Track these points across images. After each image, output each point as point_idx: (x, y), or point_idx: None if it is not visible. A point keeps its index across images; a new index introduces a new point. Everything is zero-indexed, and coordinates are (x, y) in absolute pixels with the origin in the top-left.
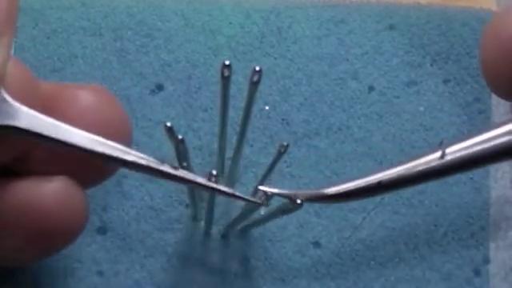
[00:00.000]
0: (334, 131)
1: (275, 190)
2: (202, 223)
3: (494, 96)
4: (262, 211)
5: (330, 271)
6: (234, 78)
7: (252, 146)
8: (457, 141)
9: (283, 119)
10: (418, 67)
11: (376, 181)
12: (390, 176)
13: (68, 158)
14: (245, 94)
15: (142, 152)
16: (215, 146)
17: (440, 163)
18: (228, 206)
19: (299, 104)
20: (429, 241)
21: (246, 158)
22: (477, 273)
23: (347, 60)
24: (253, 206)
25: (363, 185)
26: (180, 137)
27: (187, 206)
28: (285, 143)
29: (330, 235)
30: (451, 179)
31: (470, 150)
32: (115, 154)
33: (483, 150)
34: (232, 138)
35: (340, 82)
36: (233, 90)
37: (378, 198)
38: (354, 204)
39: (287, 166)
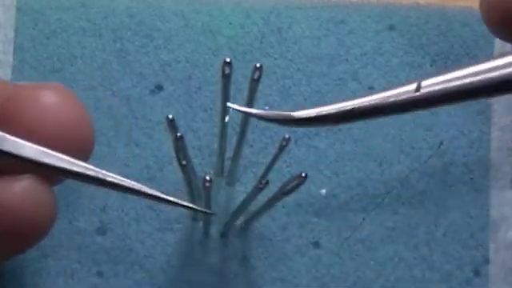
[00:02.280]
0: (334, 131)
1: (242, 108)
2: (202, 223)
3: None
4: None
5: (330, 271)
6: (233, 78)
7: (252, 146)
8: (433, 75)
9: None
10: (417, 67)
11: (349, 108)
12: (363, 104)
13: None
14: (245, 94)
15: (143, 152)
16: (215, 146)
17: (414, 96)
18: (227, 205)
19: (299, 104)
20: (428, 241)
21: (246, 158)
22: (476, 273)
23: (347, 60)
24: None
25: (334, 111)
26: (179, 134)
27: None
28: (287, 135)
29: (330, 235)
30: (451, 180)
31: (446, 85)
32: (62, 165)
33: (458, 86)
34: (232, 138)
35: (340, 83)
36: (233, 90)
37: (378, 199)
38: (354, 204)
39: (287, 166)
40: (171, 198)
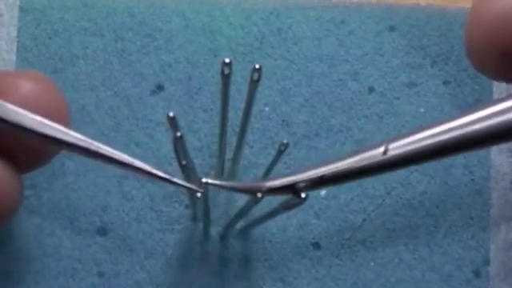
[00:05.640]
0: (334, 132)
1: (218, 182)
2: (202, 224)
3: (494, 97)
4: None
5: (330, 272)
6: (233, 78)
7: (252, 147)
8: (400, 137)
9: (283, 120)
10: (418, 68)
11: (317, 175)
12: (332, 171)
13: (2, 143)
14: (245, 94)
15: (143, 153)
16: (215, 146)
17: (382, 159)
18: (227, 206)
19: (299, 105)
20: (429, 242)
21: (246, 158)
22: (477, 274)
23: (347, 61)
24: (251, 203)
25: (304, 179)
26: (179, 134)
27: (187, 206)
28: (285, 141)
29: (330, 236)
30: (452, 181)
31: (412, 147)
32: (57, 135)
33: (424, 146)
34: (232, 139)
35: (340, 83)
36: (233, 90)
37: (378, 200)
38: (354, 205)
39: (287, 167)
40: (162, 174)
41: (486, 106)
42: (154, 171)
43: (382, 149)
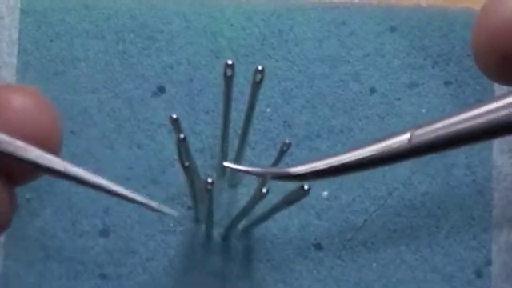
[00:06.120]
0: (336, 133)
1: (240, 167)
2: (204, 226)
3: None
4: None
5: (332, 273)
6: (235, 80)
7: (254, 148)
8: (424, 124)
9: (285, 121)
10: (419, 69)
11: (341, 162)
12: (355, 158)
13: None
14: (247, 96)
15: (145, 154)
16: (217, 148)
17: (407, 146)
18: (229, 207)
19: (301, 106)
20: (431, 243)
21: (248, 160)
22: (479, 274)
23: (348, 62)
24: (254, 201)
25: (327, 166)
26: (182, 135)
27: (189, 208)
28: (287, 141)
29: (332, 237)
30: (454, 181)
31: (437, 134)
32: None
33: (449, 133)
34: (234, 141)
35: (341, 84)
36: (235, 92)
37: (380, 201)
38: (356, 206)
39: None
40: (141, 199)
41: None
42: (133, 196)
43: (407, 135)
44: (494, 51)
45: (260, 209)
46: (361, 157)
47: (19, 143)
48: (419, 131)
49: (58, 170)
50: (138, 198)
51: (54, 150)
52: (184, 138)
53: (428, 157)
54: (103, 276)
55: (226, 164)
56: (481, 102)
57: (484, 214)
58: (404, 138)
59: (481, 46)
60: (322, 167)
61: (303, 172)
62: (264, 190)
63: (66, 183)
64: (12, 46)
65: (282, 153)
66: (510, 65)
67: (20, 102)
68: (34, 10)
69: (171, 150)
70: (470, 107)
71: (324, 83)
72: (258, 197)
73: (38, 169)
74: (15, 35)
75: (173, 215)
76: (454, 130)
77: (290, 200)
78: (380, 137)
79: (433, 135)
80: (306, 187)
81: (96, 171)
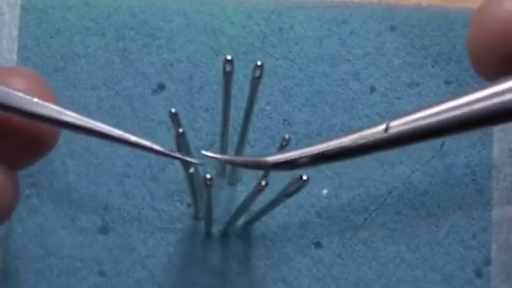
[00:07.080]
0: (336, 132)
1: (218, 156)
2: (203, 223)
3: None
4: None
5: (331, 272)
6: (235, 78)
7: (253, 146)
8: (401, 115)
9: (284, 120)
10: (419, 68)
11: (318, 151)
12: (332, 147)
13: None
14: (246, 94)
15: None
16: (217, 145)
17: (383, 136)
18: (229, 204)
19: (301, 104)
20: (430, 242)
21: None
22: (478, 274)
23: (349, 61)
24: (253, 195)
25: (305, 155)
26: (181, 130)
27: (189, 205)
28: (286, 136)
29: (332, 235)
30: (453, 180)
31: (413, 125)
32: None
33: (424, 125)
34: (233, 138)
35: (341, 83)
36: (234, 90)
37: (379, 199)
38: (356, 205)
39: None
40: (158, 148)
41: (489, 85)
42: (152, 146)
43: (383, 126)
44: (490, 52)
45: (259, 205)
46: (338, 146)
47: (38, 101)
48: (394, 122)
49: (78, 124)
50: (156, 147)
51: (53, 134)
52: (183, 133)
53: (428, 156)
54: (102, 273)
55: (203, 152)
56: (455, 94)
57: (483, 214)
58: (380, 128)
59: (477, 47)
60: (299, 156)
61: (280, 161)
62: (263, 183)
63: (64, 179)
64: (12, 42)
65: (281, 148)
66: (506, 66)
67: (17, 84)
68: (34, 7)
69: (171, 147)
70: (445, 99)
71: (324, 82)
72: (258, 190)
73: (59, 125)
74: (15, 32)
75: (195, 163)
76: (428, 122)
77: (288, 192)
78: (358, 127)
79: (407, 126)
80: (304, 177)
81: (96, 169)
